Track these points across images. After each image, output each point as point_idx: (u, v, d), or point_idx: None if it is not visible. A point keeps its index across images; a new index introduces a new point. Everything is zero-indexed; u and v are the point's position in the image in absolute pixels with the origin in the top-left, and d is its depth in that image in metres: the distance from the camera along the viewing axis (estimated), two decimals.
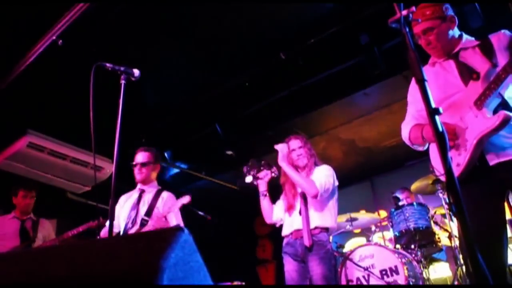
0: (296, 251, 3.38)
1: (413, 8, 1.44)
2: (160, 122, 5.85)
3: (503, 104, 2.15)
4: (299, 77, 5.11)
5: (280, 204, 3.72)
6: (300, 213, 3.44)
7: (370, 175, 7.38)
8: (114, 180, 2.48)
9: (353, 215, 5.41)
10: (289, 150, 3.61)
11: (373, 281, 4.31)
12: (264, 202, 3.67)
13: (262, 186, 3.67)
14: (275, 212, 3.68)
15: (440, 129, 1.22)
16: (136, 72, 2.72)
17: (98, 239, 0.92)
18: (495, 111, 2.13)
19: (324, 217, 3.43)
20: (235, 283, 5.40)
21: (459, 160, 2.17)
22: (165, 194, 3.66)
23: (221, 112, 5.82)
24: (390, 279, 4.22)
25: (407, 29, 1.39)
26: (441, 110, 1.24)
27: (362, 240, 6.83)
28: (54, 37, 3.51)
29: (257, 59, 4.87)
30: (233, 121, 5.92)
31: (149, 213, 3.47)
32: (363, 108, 5.62)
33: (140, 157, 3.68)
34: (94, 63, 2.63)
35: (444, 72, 2.38)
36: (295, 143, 3.63)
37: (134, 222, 3.43)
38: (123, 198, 3.72)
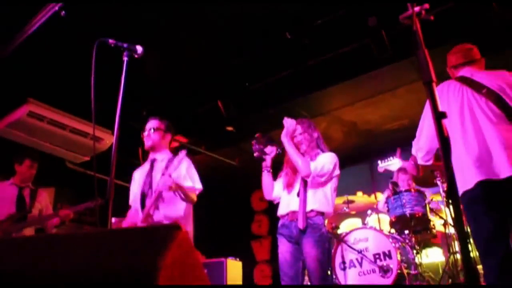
0: (291, 233, 3.37)
1: (427, 5, 1.40)
2: (162, 95, 5.82)
3: None
4: (304, 57, 5.05)
5: (281, 182, 3.70)
6: (298, 195, 3.43)
7: (370, 157, 7.36)
8: (115, 152, 2.46)
9: (350, 197, 5.44)
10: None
11: (366, 264, 4.37)
12: (267, 177, 3.66)
13: (267, 162, 3.66)
14: (276, 189, 3.66)
15: (446, 133, 1.21)
16: (139, 49, 2.67)
17: (95, 232, 0.90)
18: None
19: (321, 201, 3.41)
20: (230, 258, 5.48)
21: None
22: (178, 158, 3.28)
23: (224, 88, 5.78)
24: (383, 263, 4.28)
25: (419, 27, 1.35)
26: (446, 114, 1.22)
27: (357, 221, 6.90)
28: (56, 8, 3.43)
29: (262, 37, 4.80)
30: (235, 97, 5.88)
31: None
32: (367, 91, 5.57)
33: (151, 123, 3.54)
34: (97, 34, 2.59)
35: None
36: (297, 129, 3.61)
37: (149, 192, 3.30)
38: (136, 173, 3.59)
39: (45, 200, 4.54)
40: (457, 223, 1.14)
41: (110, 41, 2.58)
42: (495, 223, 2.38)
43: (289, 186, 3.53)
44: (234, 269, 5.53)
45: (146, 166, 3.52)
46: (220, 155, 7.30)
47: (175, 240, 0.98)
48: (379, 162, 4.61)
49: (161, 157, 3.50)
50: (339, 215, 6.16)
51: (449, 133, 2.53)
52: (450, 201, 1.15)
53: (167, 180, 3.13)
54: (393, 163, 4.38)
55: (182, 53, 4.97)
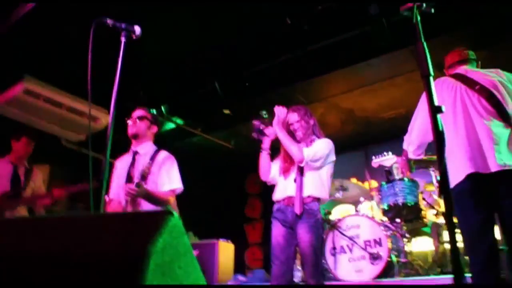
0: (286, 217, 3.39)
1: None
2: (160, 76, 5.79)
3: None
4: (304, 43, 5.02)
5: (278, 164, 3.69)
6: (295, 180, 3.44)
7: (365, 144, 7.40)
8: (110, 132, 2.46)
9: (344, 184, 5.47)
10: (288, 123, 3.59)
11: (356, 251, 4.41)
12: (265, 159, 3.62)
13: (266, 143, 3.63)
14: (273, 171, 3.65)
15: (440, 128, 1.21)
16: (138, 29, 2.65)
17: (86, 215, 0.90)
18: None
19: (318, 187, 3.43)
20: (222, 240, 5.52)
21: None
22: (161, 156, 3.32)
23: (222, 71, 5.75)
24: (373, 250, 4.32)
25: (419, 19, 1.34)
26: (443, 108, 1.22)
27: (349, 207, 6.92)
28: None
29: (263, 20, 4.76)
30: (233, 80, 5.86)
31: (143, 179, 3.17)
32: (365, 79, 5.55)
33: (138, 111, 3.41)
34: (95, 11, 2.56)
35: None
36: (292, 117, 3.60)
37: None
38: (118, 163, 3.44)
39: (39, 180, 4.54)
40: (448, 217, 1.15)
41: (108, 21, 2.55)
42: (482, 217, 2.45)
43: (285, 171, 3.54)
44: (226, 250, 5.59)
45: (128, 158, 3.38)
46: (216, 137, 7.30)
47: (167, 225, 0.99)
48: (373, 157, 4.66)
49: (144, 150, 3.37)
50: (332, 201, 6.18)
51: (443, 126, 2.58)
52: (443, 196, 1.16)
53: (129, 192, 3.03)
54: (387, 159, 4.42)
55: (182, 34, 4.92)
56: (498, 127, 2.54)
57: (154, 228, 0.95)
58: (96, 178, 2.97)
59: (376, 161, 4.56)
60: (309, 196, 3.37)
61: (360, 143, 7.41)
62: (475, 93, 2.67)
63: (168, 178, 3.27)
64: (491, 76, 2.74)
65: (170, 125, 6.81)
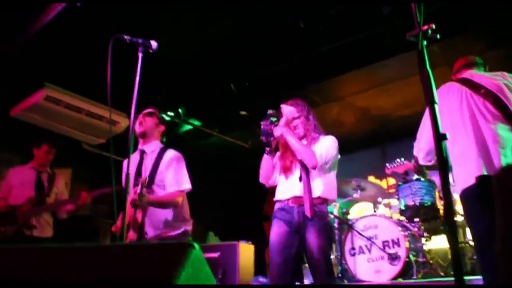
0: (292, 219, 3.13)
1: (432, 25, 1.44)
2: (176, 78, 5.89)
3: None
4: (318, 43, 5.05)
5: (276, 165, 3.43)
6: (300, 179, 3.19)
7: (382, 142, 7.38)
8: (131, 135, 2.63)
9: (362, 183, 5.49)
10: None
11: (374, 251, 4.46)
12: (269, 161, 3.34)
13: (273, 145, 3.34)
14: (274, 173, 3.40)
15: (445, 154, 1.26)
16: (154, 44, 2.76)
17: (109, 245, 0.96)
18: None
19: (327, 187, 3.21)
20: (242, 242, 5.59)
21: None
22: (168, 154, 3.31)
23: (237, 72, 5.82)
24: (392, 251, 4.37)
25: (425, 44, 1.39)
26: (447, 136, 1.27)
27: (367, 205, 6.94)
28: None
29: (277, 22, 4.81)
30: (249, 81, 5.92)
31: (151, 179, 3.21)
32: (380, 79, 5.56)
33: (145, 111, 3.40)
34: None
35: None
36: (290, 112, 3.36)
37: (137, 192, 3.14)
38: (125, 163, 3.26)
39: (61, 185, 4.67)
40: (452, 239, 1.20)
41: (126, 37, 2.66)
42: (489, 222, 2.45)
43: (286, 171, 3.29)
44: (246, 252, 5.62)
45: (136, 158, 3.32)
46: (233, 138, 7.38)
47: (189, 258, 1.06)
48: (387, 164, 4.72)
49: (151, 148, 3.36)
50: (350, 200, 6.19)
51: (452, 130, 2.64)
52: (446, 222, 1.21)
53: (133, 203, 3.02)
54: (400, 165, 4.48)
55: (197, 35, 5.00)
56: (504, 130, 2.58)
57: (178, 261, 1.02)
58: (118, 182, 3.09)
59: (389, 169, 4.62)
60: (319, 197, 3.14)
61: (377, 141, 7.39)
62: (480, 97, 2.69)
63: (175, 180, 3.26)
64: (497, 79, 2.76)
65: (187, 127, 6.92)
